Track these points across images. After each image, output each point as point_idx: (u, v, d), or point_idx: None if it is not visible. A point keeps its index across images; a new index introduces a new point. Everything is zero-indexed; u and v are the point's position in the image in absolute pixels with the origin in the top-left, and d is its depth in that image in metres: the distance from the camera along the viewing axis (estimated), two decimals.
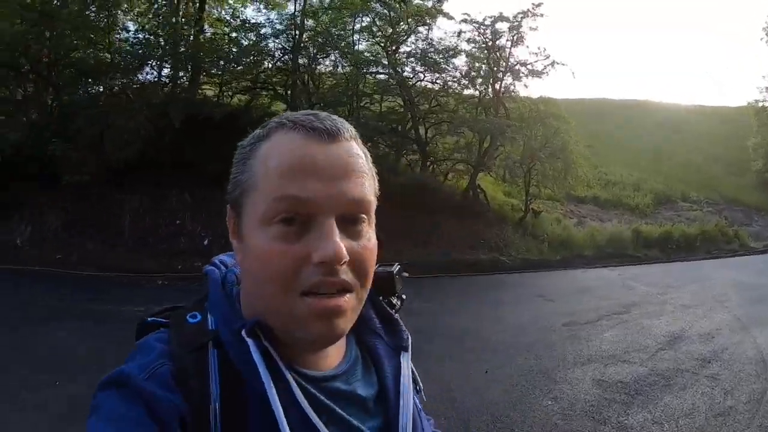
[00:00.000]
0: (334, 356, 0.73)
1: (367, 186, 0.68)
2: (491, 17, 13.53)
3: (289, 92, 14.59)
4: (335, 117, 0.69)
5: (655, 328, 7.11)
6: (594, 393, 4.93)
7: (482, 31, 13.57)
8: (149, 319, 0.76)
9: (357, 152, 0.69)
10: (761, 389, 5.10)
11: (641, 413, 4.53)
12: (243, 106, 13.93)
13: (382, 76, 14.01)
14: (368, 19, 13.62)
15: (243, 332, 0.65)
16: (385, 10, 13.23)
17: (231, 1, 15.39)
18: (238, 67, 13.38)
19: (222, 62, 13.25)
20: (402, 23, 13.48)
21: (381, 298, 0.82)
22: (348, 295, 0.65)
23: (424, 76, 14.11)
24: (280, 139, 0.67)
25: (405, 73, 13.93)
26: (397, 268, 0.86)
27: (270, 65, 14.85)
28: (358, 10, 12.95)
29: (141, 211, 11.04)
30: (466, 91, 14.49)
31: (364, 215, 0.67)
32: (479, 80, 14.13)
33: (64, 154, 10.50)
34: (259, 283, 0.66)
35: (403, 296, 0.87)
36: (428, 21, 13.41)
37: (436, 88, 14.22)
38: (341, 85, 13.68)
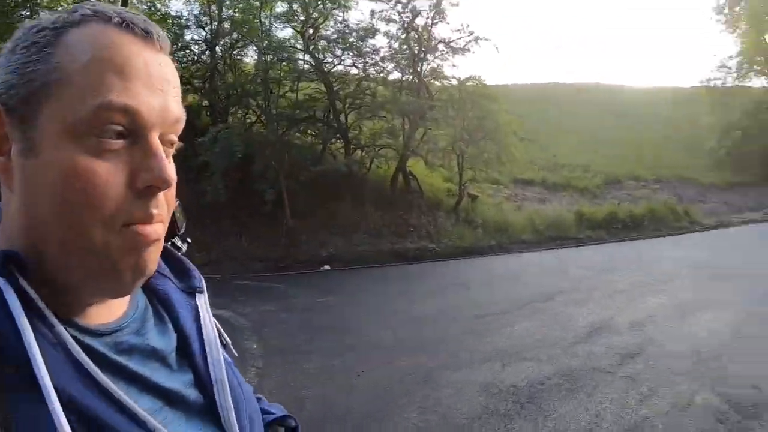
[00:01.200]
0: (117, 306, 0.59)
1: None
2: None
3: (207, 84, 13.81)
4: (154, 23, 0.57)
5: (579, 317, 6.25)
6: (477, 401, 4.10)
7: (399, 9, 12.72)
8: None
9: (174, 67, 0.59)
10: (689, 392, 4.14)
11: (524, 427, 3.67)
12: None
13: (299, 62, 13.08)
14: (285, 6, 12.79)
15: None
16: None
17: None
18: None
19: None
20: (318, 5, 12.60)
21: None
22: (160, 225, 0.55)
23: (342, 60, 13.19)
24: (105, 32, 0.53)
25: (327, 59, 13.04)
26: (176, 204, 0.63)
27: (192, 59, 14.01)
28: None
29: None
30: (393, 76, 13.63)
31: (176, 137, 0.58)
32: (404, 62, 13.21)
33: None
34: (65, 209, 0.51)
35: (188, 239, 0.75)
36: (343, 2, 12.57)
37: (360, 73, 13.31)
38: (260, 74, 12.63)
